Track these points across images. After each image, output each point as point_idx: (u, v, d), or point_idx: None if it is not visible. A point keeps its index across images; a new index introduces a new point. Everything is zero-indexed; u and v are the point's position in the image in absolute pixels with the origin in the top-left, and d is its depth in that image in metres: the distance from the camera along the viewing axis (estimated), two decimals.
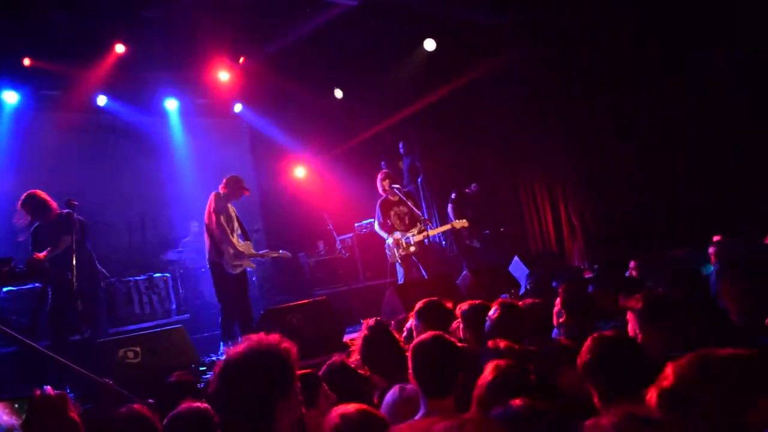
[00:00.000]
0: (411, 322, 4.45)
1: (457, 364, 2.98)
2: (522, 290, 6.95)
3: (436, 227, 9.04)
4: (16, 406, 1.92)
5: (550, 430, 2.14)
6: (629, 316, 3.22)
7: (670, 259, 6.38)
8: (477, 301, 4.39)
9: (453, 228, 8.64)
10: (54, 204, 6.44)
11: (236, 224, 7.43)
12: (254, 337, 2.17)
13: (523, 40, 9.62)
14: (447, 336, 3.13)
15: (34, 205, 6.33)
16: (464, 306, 4.33)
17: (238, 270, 7.24)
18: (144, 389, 4.42)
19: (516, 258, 8.95)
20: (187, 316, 8.86)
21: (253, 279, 9.37)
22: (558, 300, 4.15)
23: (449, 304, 4.55)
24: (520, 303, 4.33)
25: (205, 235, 7.28)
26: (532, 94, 9.80)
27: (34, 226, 6.45)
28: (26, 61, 8.93)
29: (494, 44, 9.96)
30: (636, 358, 2.55)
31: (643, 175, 9.14)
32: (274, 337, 2.19)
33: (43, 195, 6.43)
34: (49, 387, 1.73)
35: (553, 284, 5.38)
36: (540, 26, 9.48)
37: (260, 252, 7.79)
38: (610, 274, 5.57)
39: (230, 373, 2.10)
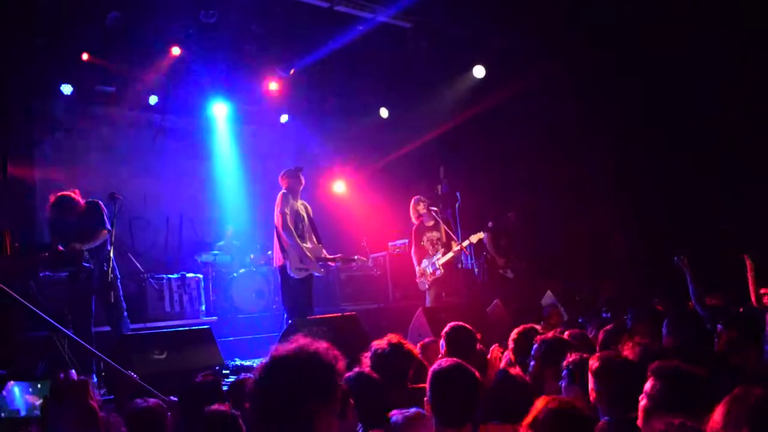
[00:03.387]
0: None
1: (476, 395, 2.94)
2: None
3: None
4: (39, 386, 1.95)
5: None
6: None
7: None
8: (527, 326, 4.34)
9: (471, 243, 8.59)
10: (79, 200, 6.58)
11: (306, 223, 7.25)
12: (303, 339, 2.01)
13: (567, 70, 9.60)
14: (467, 365, 3.09)
15: (62, 207, 6.47)
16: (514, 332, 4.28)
17: (303, 274, 7.02)
18: (167, 386, 4.46)
19: (549, 292, 8.82)
20: (215, 318, 8.92)
21: None
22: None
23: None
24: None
25: (275, 237, 7.14)
26: (571, 123, 9.74)
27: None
28: (84, 56, 9.21)
29: (540, 75, 9.94)
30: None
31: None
32: (322, 344, 2.03)
33: (70, 195, 6.55)
34: (73, 371, 1.74)
35: (579, 320, 5.28)
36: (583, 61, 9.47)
37: (332, 256, 7.42)
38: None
39: (274, 373, 1.92)
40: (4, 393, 1.91)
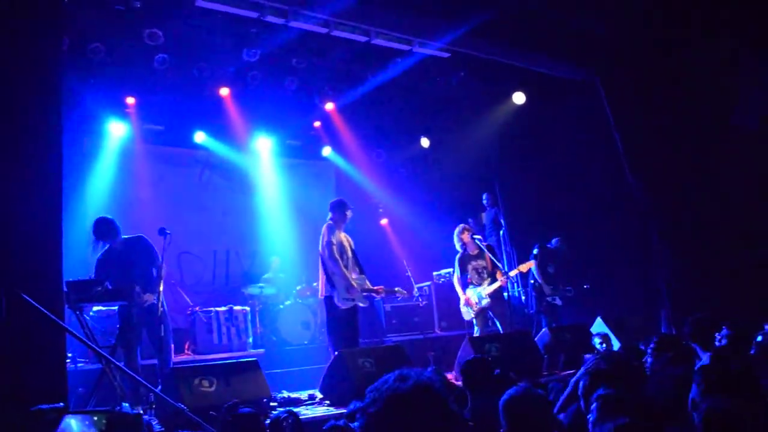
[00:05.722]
0: None
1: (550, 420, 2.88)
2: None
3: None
4: (95, 418, 1.99)
5: None
6: None
7: None
8: None
9: (519, 272, 8.55)
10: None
11: (350, 255, 7.29)
12: (412, 371, 1.90)
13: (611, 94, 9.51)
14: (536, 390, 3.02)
15: (106, 229, 6.55)
16: None
17: (349, 305, 7.04)
18: (215, 418, 4.49)
19: (599, 318, 8.64)
20: (262, 350, 8.97)
21: None
22: None
23: None
24: None
25: (320, 268, 7.18)
26: (615, 148, 9.60)
27: (111, 249, 6.70)
28: (130, 100, 9.57)
29: (579, 99, 9.88)
30: None
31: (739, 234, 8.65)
32: (428, 371, 1.94)
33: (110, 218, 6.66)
34: (126, 405, 1.77)
35: (641, 347, 5.14)
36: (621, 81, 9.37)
37: (375, 287, 7.40)
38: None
39: (394, 411, 1.81)
40: (62, 426, 1.95)
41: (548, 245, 9.65)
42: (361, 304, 7.25)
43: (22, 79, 5.02)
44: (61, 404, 2.21)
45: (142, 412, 4.31)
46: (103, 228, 6.52)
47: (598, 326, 8.52)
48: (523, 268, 8.81)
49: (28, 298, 4.02)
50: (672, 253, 9.20)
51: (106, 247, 6.63)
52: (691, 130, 8.83)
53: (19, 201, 4.81)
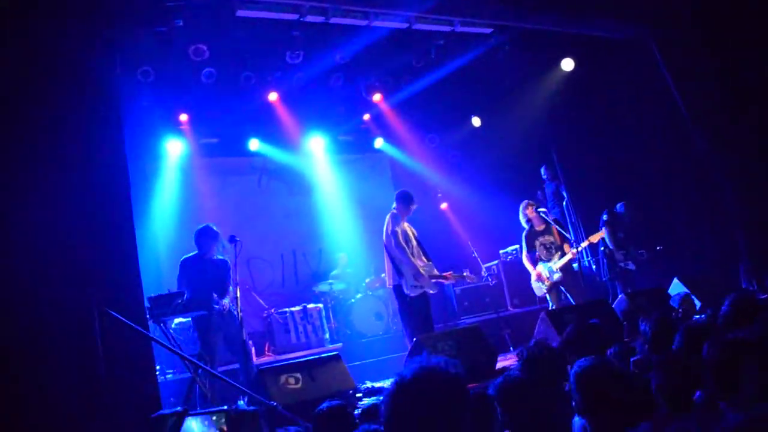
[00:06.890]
0: None
1: (624, 393, 2.80)
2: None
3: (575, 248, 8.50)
4: (214, 418, 2.08)
5: None
6: None
7: None
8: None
9: (590, 243, 8.51)
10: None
11: (415, 244, 7.33)
12: (422, 359, 2.03)
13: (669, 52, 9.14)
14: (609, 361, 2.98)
15: (208, 236, 6.90)
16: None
17: (417, 292, 7.05)
18: (307, 415, 4.59)
19: (676, 279, 8.41)
20: (340, 344, 9.10)
21: None
22: None
23: None
24: None
25: (386, 259, 7.22)
26: (672, 105, 9.25)
27: (200, 257, 6.95)
28: (183, 117, 9.82)
29: (630, 58, 9.56)
30: None
31: None
32: (440, 358, 2.04)
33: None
34: (242, 402, 1.83)
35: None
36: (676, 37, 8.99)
37: (443, 273, 7.39)
38: None
39: (401, 397, 1.93)
40: (183, 428, 2.04)
41: (615, 210, 9.44)
42: (430, 291, 7.25)
43: (85, 107, 5.21)
44: (179, 408, 2.32)
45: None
46: (208, 234, 6.92)
47: (676, 287, 8.28)
48: (594, 239, 8.59)
49: (118, 316, 4.19)
50: (746, 206, 8.85)
51: (196, 253, 6.92)
52: (754, 79, 8.45)
53: (98, 228, 5.00)
